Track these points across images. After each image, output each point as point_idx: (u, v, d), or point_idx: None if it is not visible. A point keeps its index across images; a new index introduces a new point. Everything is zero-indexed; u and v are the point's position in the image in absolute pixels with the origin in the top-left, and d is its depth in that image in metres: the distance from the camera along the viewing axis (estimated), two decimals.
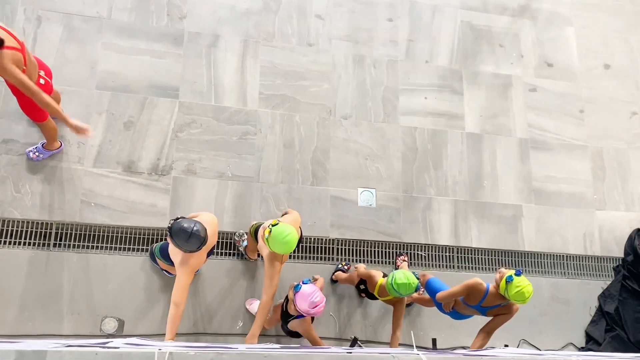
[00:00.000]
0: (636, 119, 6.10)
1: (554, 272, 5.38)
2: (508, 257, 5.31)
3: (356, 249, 5.00)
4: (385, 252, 5.07)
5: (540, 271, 5.34)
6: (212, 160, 4.89)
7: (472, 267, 5.19)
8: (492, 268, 5.22)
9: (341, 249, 4.98)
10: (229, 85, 5.11)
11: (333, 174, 5.11)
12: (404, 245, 5.10)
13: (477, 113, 5.64)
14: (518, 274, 3.83)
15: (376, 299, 4.40)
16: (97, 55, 4.91)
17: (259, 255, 4.61)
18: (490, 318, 4.13)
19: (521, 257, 5.34)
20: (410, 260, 5.09)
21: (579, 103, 5.98)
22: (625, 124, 6.04)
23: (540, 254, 5.40)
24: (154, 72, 4.99)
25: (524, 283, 3.81)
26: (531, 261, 5.35)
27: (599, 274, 5.48)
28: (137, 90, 4.91)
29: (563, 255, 5.45)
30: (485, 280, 4.09)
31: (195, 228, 3.37)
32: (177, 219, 3.47)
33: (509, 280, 3.80)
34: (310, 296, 3.53)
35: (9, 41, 3.44)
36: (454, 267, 5.16)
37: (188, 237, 3.34)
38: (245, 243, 4.66)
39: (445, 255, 5.19)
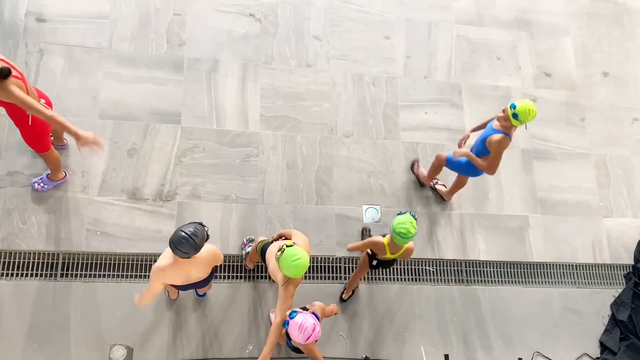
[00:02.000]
0: (638, 125, 6.10)
1: (564, 282, 5.33)
2: (517, 268, 5.27)
3: None
4: (394, 268, 5.03)
5: (550, 282, 5.29)
6: (215, 184, 4.91)
7: (481, 281, 5.15)
8: (502, 281, 5.19)
9: (348, 267, 4.95)
10: (230, 109, 5.15)
11: (337, 193, 5.11)
12: (411, 261, 5.07)
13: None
14: (512, 107, 4.08)
15: (392, 263, 4.33)
16: (99, 84, 4.97)
17: (266, 269, 4.57)
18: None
19: (530, 268, 5.29)
20: (418, 275, 5.06)
21: (579, 111, 5.99)
22: (627, 131, 6.04)
23: (549, 264, 5.36)
24: (156, 99, 5.04)
25: (528, 106, 4.05)
26: (540, 272, 5.31)
27: (610, 282, 5.43)
28: (139, 117, 4.95)
29: (572, 265, 5.40)
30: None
31: (190, 231, 3.25)
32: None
33: (512, 106, 4.07)
34: (300, 328, 3.43)
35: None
36: (462, 282, 5.12)
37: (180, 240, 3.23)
38: (249, 249, 4.65)
39: (453, 270, 5.15)
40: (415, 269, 5.08)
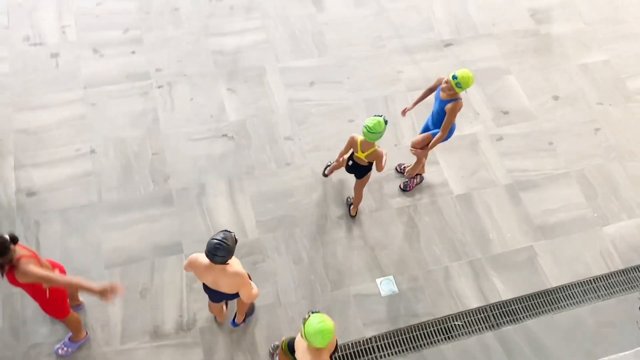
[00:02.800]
0: (600, 133, 6.46)
1: (588, 298, 5.39)
2: (539, 298, 5.33)
3: (395, 340, 4.98)
4: (424, 333, 5.05)
5: (574, 302, 5.34)
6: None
7: (510, 320, 5.18)
8: (528, 315, 5.22)
9: (380, 345, 4.96)
10: (226, 225, 5.34)
11: (348, 274, 5.22)
12: (438, 321, 5.11)
13: (458, 175, 5.93)
14: (454, 77, 4.68)
15: (364, 171, 5.08)
16: (98, 237, 5.15)
17: None
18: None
19: (552, 295, 5.36)
20: (449, 333, 5.07)
21: (545, 137, 6.35)
22: (593, 141, 6.39)
23: (569, 286, 5.43)
24: (155, 236, 5.22)
25: (466, 73, 4.67)
26: (563, 295, 5.37)
27: (631, 286, 5.50)
28: (143, 257, 5.10)
29: (590, 280, 5.49)
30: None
31: (221, 236, 3.64)
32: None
33: (454, 77, 4.68)
34: None
35: (23, 251, 3.65)
36: (493, 327, 5.14)
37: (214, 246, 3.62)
38: (277, 359, 4.65)
39: (481, 318, 5.18)
40: (444, 328, 5.10)
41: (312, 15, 6.96)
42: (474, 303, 5.23)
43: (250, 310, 4.89)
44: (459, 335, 5.07)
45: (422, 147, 5.26)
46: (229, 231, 3.76)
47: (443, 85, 4.81)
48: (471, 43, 7.01)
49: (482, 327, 5.13)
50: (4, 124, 5.65)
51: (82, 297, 4.80)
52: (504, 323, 5.17)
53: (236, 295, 4.11)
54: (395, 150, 6.02)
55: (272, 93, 6.23)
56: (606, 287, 5.48)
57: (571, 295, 5.39)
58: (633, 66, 7.11)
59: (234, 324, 4.82)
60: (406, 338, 5.01)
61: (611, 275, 5.55)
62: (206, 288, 4.14)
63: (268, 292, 5.05)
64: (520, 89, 6.69)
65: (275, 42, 6.66)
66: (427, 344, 5.00)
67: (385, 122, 4.63)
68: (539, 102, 6.62)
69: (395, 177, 5.84)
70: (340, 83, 6.41)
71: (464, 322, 5.15)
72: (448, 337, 5.05)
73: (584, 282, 5.48)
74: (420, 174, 5.79)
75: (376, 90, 6.42)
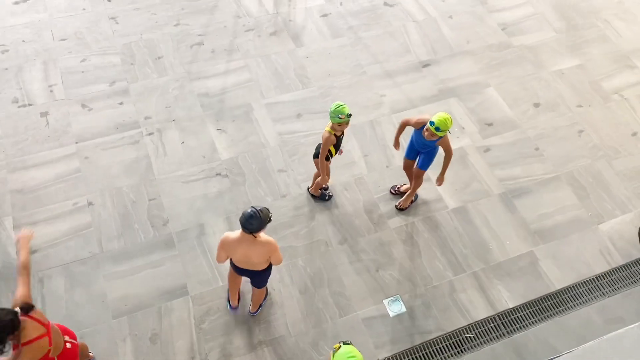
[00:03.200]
0: (584, 134, 6.63)
1: (594, 297, 5.43)
2: (546, 301, 5.37)
3: (410, 359, 4.98)
4: (437, 349, 5.05)
5: (580, 302, 5.38)
6: (241, 336, 4.98)
7: (521, 327, 5.20)
8: (537, 320, 5.25)
9: None
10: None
11: (355, 298, 5.24)
12: (449, 335, 5.12)
13: (452, 189, 6.04)
14: (432, 124, 4.81)
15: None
16: (103, 288, 5.15)
17: None
18: None
19: (558, 297, 5.40)
20: (462, 346, 5.08)
21: (531, 143, 6.50)
22: (578, 143, 6.55)
23: (573, 287, 5.48)
24: (159, 280, 5.23)
25: (443, 117, 4.78)
26: (568, 296, 5.42)
27: (634, 280, 5.57)
28: (149, 303, 5.10)
29: (593, 278, 5.55)
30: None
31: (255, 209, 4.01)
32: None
33: (432, 124, 4.81)
34: None
35: (34, 331, 3.51)
36: (504, 335, 5.15)
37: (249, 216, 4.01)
38: None
39: (491, 327, 5.20)
40: (456, 341, 5.11)
41: (292, 50, 7.16)
42: (482, 314, 5.26)
43: (264, 297, 5.15)
44: (473, 347, 5.08)
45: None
46: (268, 210, 4.12)
47: (425, 133, 4.94)
48: (448, 62, 7.22)
49: (493, 337, 5.15)
50: None
51: (92, 350, 4.77)
52: (515, 330, 5.19)
53: (262, 278, 4.61)
54: (387, 171, 6.12)
55: (261, 128, 6.36)
56: (610, 284, 5.54)
57: (576, 295, 5.44)
58: (606, 67, 7.35)
59: (251, 313, 5.13)
60: (419, 356, 5.00)
61: (613, 271, 5.62)
62: (234, 266, 4.54)
63: (278, 325, 5.06)
64: (501, 100, 6.88)
65: (258, 79, 6.82)
66: (443, 359, 5.00)
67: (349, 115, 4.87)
68: (521, 111, 6.79)
69: (390, 199, 5.93)
70: (326, 112, 6.55)
71: (476, 333, 5.17)
72: (461, 350, 5.06)
73: (587, 281, 5.54)
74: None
75: (362, 116, 6.56)
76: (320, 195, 5.83)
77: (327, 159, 5.26)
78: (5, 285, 5.10)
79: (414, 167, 5.53)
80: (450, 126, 4.80)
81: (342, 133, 5.14)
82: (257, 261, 4.32)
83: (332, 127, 5.00)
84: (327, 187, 5.88)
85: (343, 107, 4.84)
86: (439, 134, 4.84)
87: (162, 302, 5.12)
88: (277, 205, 5.77)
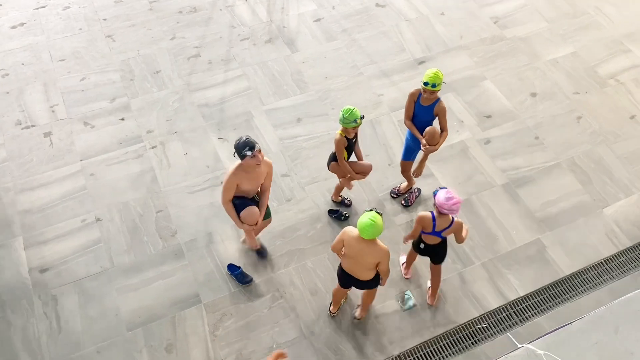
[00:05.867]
0: (583, 121, 6.68)
1: (604, 280, 5.46)
2: (556, 288, 5.39)
3: (424, 353, 5.00)
4: (452, 341, 5.07)
5: (591, 286, 5.41)
6: (255, 341, 5.01)
7: (534, 314, 5.22)
8: (550, 307, 5.27)
9: (415, 357, 4.97)
10: (239, 265, 5.41)
11: None
12: (463, 327, 5.14)
13: (455, 183, 6.08)
14: (425, 84, 4.88)
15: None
16: (116, 302, 5.19)
17: None
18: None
19: (568, 283, 5.42)
20: (476, 336, 5.10)
21: (530, 133, 6.54)
22: (577, 129, 6.59)
23: (582, 271, 5.51)
24: (171, 291, 5.27)
25: (432, 72, 4.86)
26: (578, 281, 5.44)
27: None
28: (163, 314, 5.14)
29: (602, 262, 5.58)
30: None
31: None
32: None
33: (426, 84, 4.88)
34: (446, 194, 4.38)
35: None
36: (517, 324, 5.18)
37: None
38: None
39: (504, 317, 5.23)
40: (470, 332, 5.13)
41: (287, 56, 7.23)
42: (493, 304, 5.28)
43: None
44: (488, 336, 5.10)
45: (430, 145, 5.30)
46: (379, 212, 4.21)
47: (424, 96, 5.00)
48: (443, 57, 7.29)
49: (508, 325, 5.17)
50: (8, 209, 5.77)
51: None
52: (527, 318, 5.21)
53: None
54: (390, 169, 6.17)
55: (262, 135, 6.42)
56: (618, 267, 5.56)
57: (586, 280, 5.47)
58: (600, 53, 7.41)
59: (259, 253, 5.43)
60: (434, 349, 5.03)
61: (621, 254, 5.64)
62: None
63: (292, 328, 5.09)
64: (498, 92, 6.93)
65: (257, 87, 6.89)
66: (458, 350, 5.02)
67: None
68: (519, 101, 6.85)
69: (393, 198, 5.97)
70: (325, 115, 6.62)
71: (489, 323, 5.19)
72: (475, 341, 5.08)
73: (596, 265, 5.56)
74: (417, 188, 5.93)
75: None
76: (341, 201, 5.87)
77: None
78: (17, 304, 5.14)
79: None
80: (442, 77, 4.88)
81: (355, 135, 5.15)
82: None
83: (343, 130, 5.02)
84: (350, 204, 5.88)
85: (355, 112, 4.82)
86: (436, 89, 4.90)
87: (175, 312, 5.15)
88: (283, 210, 5.82)
